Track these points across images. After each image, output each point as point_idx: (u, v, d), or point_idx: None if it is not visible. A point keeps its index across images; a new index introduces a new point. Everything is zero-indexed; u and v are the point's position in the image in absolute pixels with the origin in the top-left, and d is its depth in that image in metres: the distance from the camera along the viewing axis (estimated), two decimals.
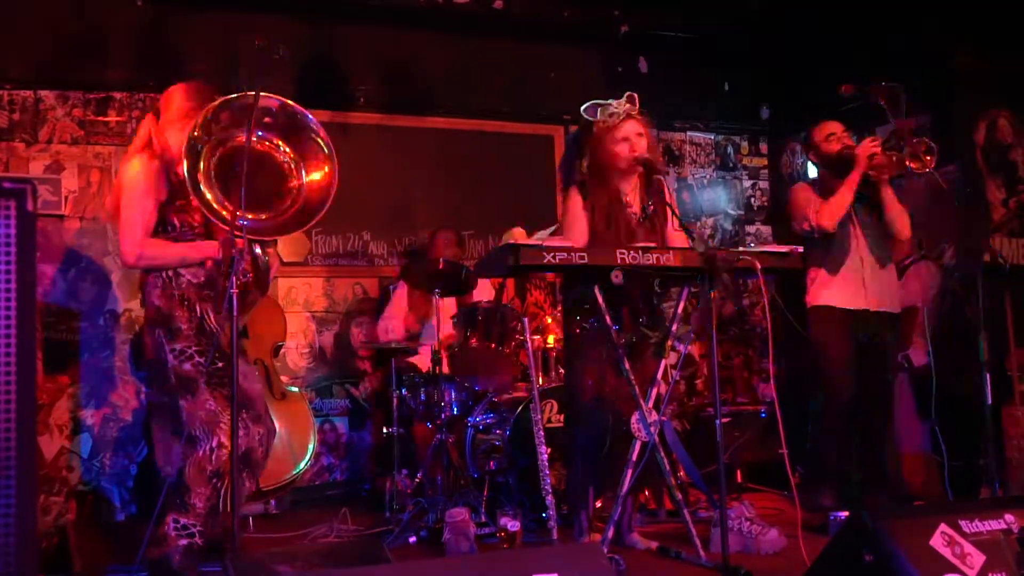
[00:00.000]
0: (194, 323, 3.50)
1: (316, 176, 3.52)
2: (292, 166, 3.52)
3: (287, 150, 3.52)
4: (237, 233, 3.15)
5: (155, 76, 5.28)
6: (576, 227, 3.96)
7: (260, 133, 3.45)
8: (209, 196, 3.33)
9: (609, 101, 3.94)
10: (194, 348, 3.49)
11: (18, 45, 5.13)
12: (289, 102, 3.50)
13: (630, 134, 3.92)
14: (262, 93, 3.30)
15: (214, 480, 3.46)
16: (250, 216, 3.34)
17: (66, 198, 5.20)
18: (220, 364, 3.47)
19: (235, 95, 3.31)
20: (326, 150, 3.52)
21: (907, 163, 4.30)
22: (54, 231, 5.13)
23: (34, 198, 2.49)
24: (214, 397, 3.46)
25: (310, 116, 3.53)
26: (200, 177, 3.32)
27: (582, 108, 3.97)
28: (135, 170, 3.51)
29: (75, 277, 5.18)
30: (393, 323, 5.50)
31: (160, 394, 3.63)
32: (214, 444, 3.44)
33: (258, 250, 3.51)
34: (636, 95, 3.97)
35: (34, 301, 2.49)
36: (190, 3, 5.44)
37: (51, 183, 5.15)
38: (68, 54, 5.22)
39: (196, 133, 3.31)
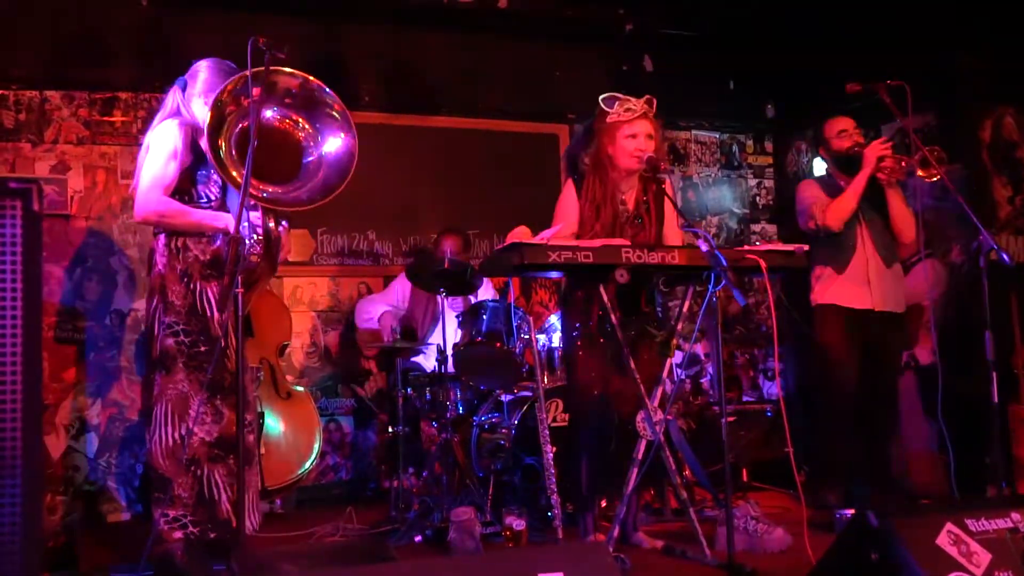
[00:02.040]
0: (188, 300, 3.50)
1: (334, 149, 3.53)
2: (311, 141, 3.53)
3: (307, 127, 3.53)
4: (258, 201, 3.17)
5: (160, 76, 5.27)
6: (566, 215, 3.99)
7: (279, 111, 3.47)
8: (228, 164, 3.34)
9: (629, 97, 3.94)
10: (181, 326, 3.48)
11: (23, 45, 5.14)
12: (310, 78, 3.50)
13: (640, 132, 3.92)
14: (286, 69, 3.37)
15: (192, 467, 3.45)
16: (268, 188, 3.36)
17: (72, 198, 5.21)
18: (203, 348, 3.47)
19: (262, 68, 3.30)
20: (344, 124, 3.53)
21: (917, 170, 4.30)
22: (60, 231, 5.14)
23: (40, 198, 2.50)
24: (188, 379, 3.45)
25: (328, 90, 3.54)
26: (221, 142, 3.33)
27: (601, 97, 3.96)
28: (165, 132, 3.54)
29: (81, 277, 5.19)
30: (374, 307, 5.48)
31: (143, 367, 3.62)
32: (183, 431, 3.43)
33: (271, 223, 3.51)
34: (655, 99, 3.97)
35: (40, 301, 2.50)
36: (194, 3, 5.45)
37: (57, 183, 5.16)
38: (73, 54, 5.23)
39: (225, 97, 3.33)
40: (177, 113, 3.61)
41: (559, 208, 4.06)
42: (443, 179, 6.10)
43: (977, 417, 4.37)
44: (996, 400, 3.73)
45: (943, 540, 2.57)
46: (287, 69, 3.40)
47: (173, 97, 3.66)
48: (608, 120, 3.95)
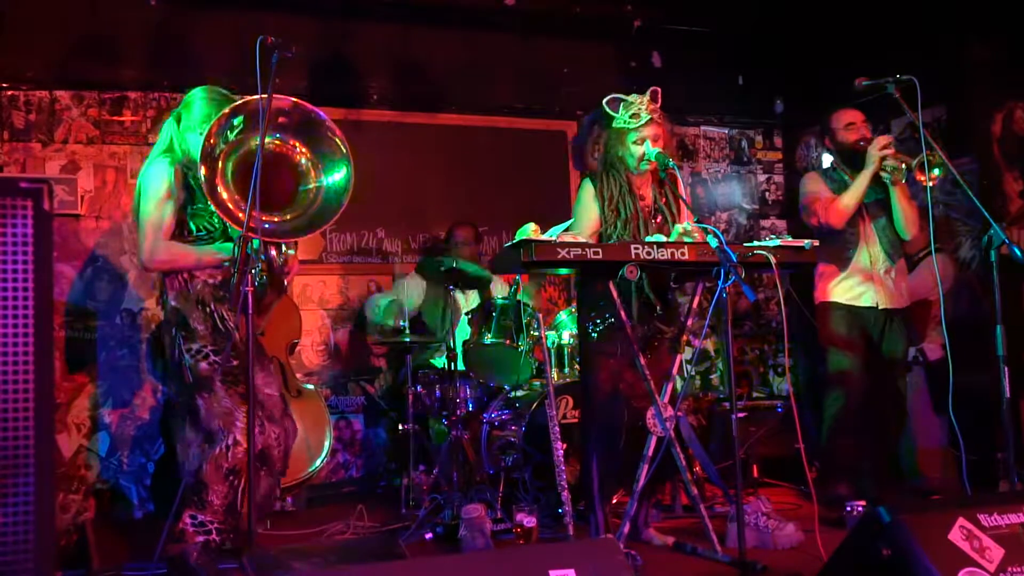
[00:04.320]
0: (209, 323, 3.54)
1: (334, 177, 3.54)
2: (310, 167, 3.55)
3: (304, 150, 3.54)
4: (252, 234, 3.18)
5: (169, 75, 5.31)
6: (586, 217, 3.97)
7: (277, 134, 3.49)
8: (226, 198, 3.36)
9: (631, 97, 3.92)
10: (210, 347, 3.53)
11: (33, 46, 5.16)
12: (301, 102, 3.52)
13: (648, 136, 3.91)
14: (274, 95, 3.33)
15: (231, 477, 3.49)
16: (265, 218, 3.37)
17: (82, 198, 5.22)
18: (235, 362, 3.50)
19: (249, 98, 3.32)
20: (343, 149, 3.54)
21: (916, 175, 4.29)
22: (70, 231, 5.16)
23: (50, 198, 2.50)
24: (229, 395, 3.50)
25: (323, 115, 3.55)
26: (218, 181, 3.36)
27: (604, 100, 3.94)
28: (156, 174, 3.56)
29: (92, 276, 5.20)
30: None
31: (179, 393, 3.67)
32: (229, 442, 3.48)
33: (273, 252, 3.53)
34: (659, 90, 3.95)
35: (51, 300, 2.50)
36: (203, 2, 5.46)
37: (67, 183, 5.17)
38: (83, 54, 5.25)
39: (212, 140, 3.35)
40: (169, 150, 3.63)
41: (578, 208, 4.02)
42: (451, 176, 6.10)
43: (988, 412, 4.35)
44: (1007, 395, 3.71)
45: (955, 535, 2.56)
46: (275, 95, 3.37)
47: (167, 130, 3.68)
48: (615, 126, 3.94)
